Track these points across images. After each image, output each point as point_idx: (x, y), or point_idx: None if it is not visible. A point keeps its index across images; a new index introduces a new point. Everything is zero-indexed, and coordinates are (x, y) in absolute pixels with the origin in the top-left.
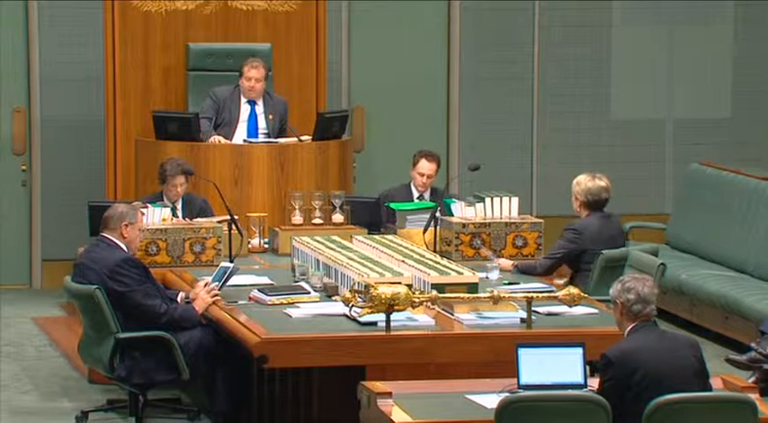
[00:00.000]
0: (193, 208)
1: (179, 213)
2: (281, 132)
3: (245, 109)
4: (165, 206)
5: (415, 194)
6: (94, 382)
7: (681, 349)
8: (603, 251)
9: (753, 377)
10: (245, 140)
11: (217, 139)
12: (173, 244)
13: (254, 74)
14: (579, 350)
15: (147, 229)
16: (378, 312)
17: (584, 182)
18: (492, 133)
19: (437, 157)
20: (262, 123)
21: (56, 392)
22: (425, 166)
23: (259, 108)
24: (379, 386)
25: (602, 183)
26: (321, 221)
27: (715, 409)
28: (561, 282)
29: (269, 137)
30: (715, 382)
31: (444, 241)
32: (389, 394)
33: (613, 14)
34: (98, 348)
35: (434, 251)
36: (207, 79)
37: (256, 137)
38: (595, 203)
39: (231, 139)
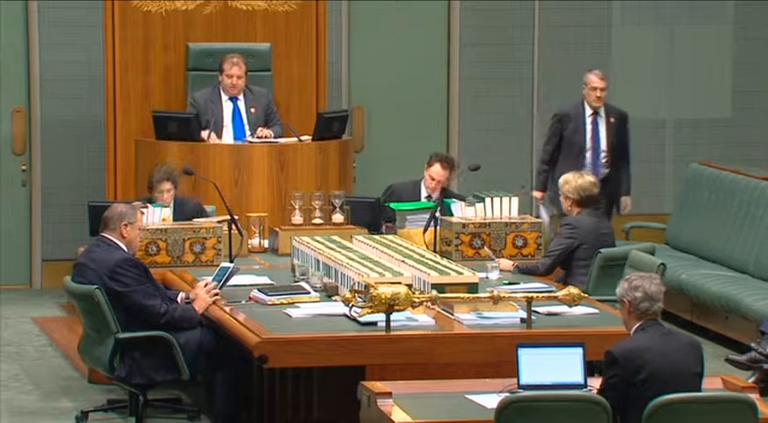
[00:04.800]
0: (185, 211)
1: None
2: (268, 123)
3: (227, 106)
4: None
5: (424, 194)
6: (94, 382)
7: (684, 350)
8: (602, 250)
9: (753, 377)
10: (247, 141)
11: (212, 136)
12: (173, 244)
13: (235, 71)
14: (579, 350)
15: (147, 229)
16: (378, 312)
17: (573, 180)
18: (492, 133)
19: (452, 164)
20: (246, 118)
21: (56, 392)
22: (438, 171)
23: (241, 103)
24: (379, 386)
25: (590, 178)
26: (321, 221)
27: (715, 409)
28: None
29: (254, 130)
30: (715, 382)
31: (444, 241)
32: (389, 394)
33: (613, 14)
34: (98, 348)
35: (434, 251)
36: (207, 79)
37: (243, 131)
38: (587, 199)
39: (220, 139)
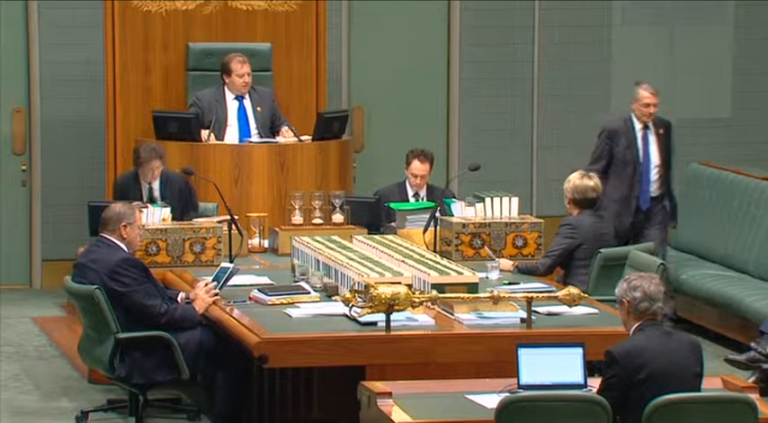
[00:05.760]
0: (173, 187)
1: (156, 193)
2: (274, 122)
3: (233, 105)
4: (161, 205)
5: (410, 193)
6: (94, 382)
7: (684, 350)
8: (602, 250)
9: (753, 377)
10: (249, 141)
11: (211, 136)
12: (173, 244)
13: (246, 69)
14: (579, 350)
15: (147, 229)
16: (378, 312)
17: (573, 180)
18: (492, 133)
19: (430, 157)
20: (251, 117)
21: (56, 392)
22: (418, 167)
23: (247, 101)
24: (379, 386)
25: (591, 182)
26: (321, 221)
27: (715, 409)
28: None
29: (261, 129)
30: (715, 382)
31: (444, 241)
32: (389, 394)
33: (613, 14)
34: (98, 348)
35: (434, 251)
36: (207, 79)
37: (248, 130)
38: (583, 201)
39: (223, 138)
